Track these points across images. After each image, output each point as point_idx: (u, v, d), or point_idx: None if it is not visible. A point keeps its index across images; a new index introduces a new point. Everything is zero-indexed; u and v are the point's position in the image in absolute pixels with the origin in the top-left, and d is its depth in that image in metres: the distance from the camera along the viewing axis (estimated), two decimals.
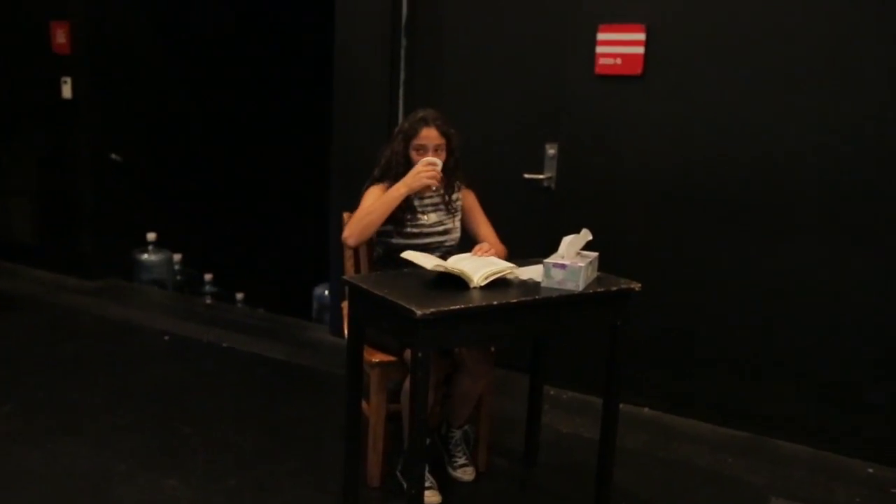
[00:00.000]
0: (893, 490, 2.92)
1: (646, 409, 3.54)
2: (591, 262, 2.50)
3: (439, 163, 2.68)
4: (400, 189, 2.64)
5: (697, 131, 3.33)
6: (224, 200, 6.24)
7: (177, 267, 5.65)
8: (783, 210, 3.19)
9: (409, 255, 2.49)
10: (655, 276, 3.16)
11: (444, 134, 2.73)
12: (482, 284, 2.38)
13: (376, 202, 2.68)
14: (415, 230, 2.75)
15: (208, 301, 5.43)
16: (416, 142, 2.72)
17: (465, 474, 2.85)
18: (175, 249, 5.65)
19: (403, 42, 3.96)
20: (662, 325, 3.45)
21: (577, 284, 2.39)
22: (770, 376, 3.30)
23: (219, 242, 6.05)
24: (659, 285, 3.16)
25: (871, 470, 3.06)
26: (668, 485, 2.92)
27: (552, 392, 3.63)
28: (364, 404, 2.75)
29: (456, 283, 2.38)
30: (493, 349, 2.79)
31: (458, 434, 2.88)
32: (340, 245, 2.98)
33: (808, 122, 3.12)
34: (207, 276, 5.69)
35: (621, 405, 2.64)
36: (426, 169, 2.63)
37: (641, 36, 3.35)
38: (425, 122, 2.72)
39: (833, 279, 3.13)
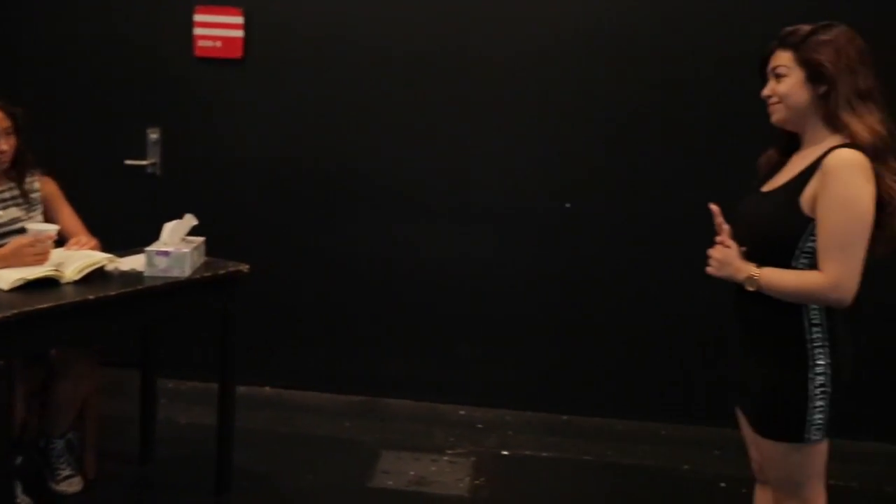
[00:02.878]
0: (479, 426, 3.42)
1: (267, 388, 3.62)
2: (196, 248, 2.48)
3: (54, 232, 2.33)
4: None
5: (298, 117, 3.46)
6: None
7: None
8: (380, 193, 3.49)
9: None
10: (264, 257, 3.22)
11: (9, 115, 2.45)
12: (77, 278, 2.22)
13: None
14: None
15: None
16: None
17: (71, 486, 2.62)
18: None
19: None
20: (276, 303, 3.54)
21: (184, 270, 2.36)
22: (378, 342, 3.59)
23: None
24: (268, 266, 3.21)
25: (462, 412, 3.54)
26: (288, 458, 3.04)
27: (171, 385, 3.51)
28: None
29: (46, 280, 2.18)
30: (96, 347, 2.61)
31: (60, 444, 2.63)
32: None
33: (407, 109, 3.40)
34: None
35: (243, 387, 2.69)
36: (33, 249, 2.25)
37: (239, 19, 3.37)
38: None
39: (431, 255, 3.52)
